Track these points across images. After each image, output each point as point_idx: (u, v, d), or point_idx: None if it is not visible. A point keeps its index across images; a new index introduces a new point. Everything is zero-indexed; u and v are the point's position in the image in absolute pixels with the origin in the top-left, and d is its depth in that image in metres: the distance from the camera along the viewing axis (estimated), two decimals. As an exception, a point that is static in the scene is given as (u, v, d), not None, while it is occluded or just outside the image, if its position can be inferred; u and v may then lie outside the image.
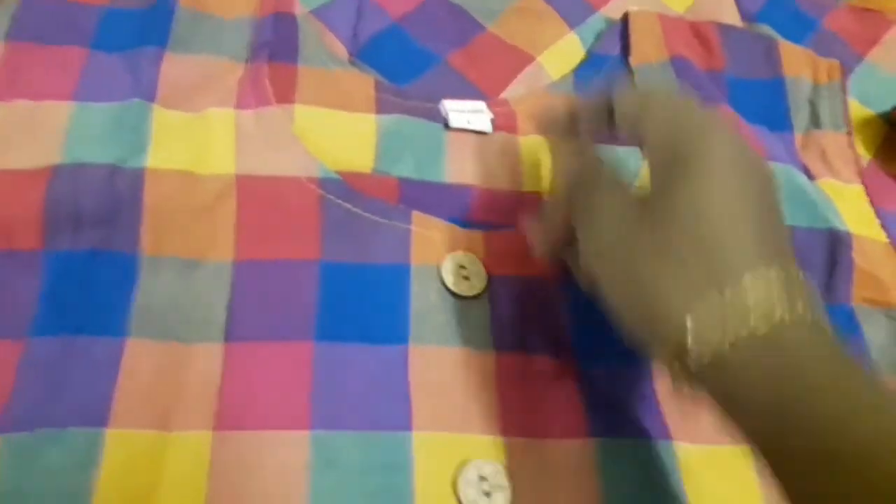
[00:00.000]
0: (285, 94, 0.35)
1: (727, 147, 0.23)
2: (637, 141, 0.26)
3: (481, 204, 0.35)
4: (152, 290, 0.28)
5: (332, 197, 0.31)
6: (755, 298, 0.21)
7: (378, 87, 0.37)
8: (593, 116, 0.29)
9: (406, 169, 0.34)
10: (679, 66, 0.40)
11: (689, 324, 0.21)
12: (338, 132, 0.34)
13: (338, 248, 0.30)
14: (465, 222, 0.33)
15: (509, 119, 0.37)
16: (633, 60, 0.40)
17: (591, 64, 0.41)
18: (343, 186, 0.32)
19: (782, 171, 0.37)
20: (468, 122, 0.36)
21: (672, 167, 0.23)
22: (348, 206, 0.31)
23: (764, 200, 0.23)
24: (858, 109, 0.43)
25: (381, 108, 0.36)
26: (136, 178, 0.30)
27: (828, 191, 0.38)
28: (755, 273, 0.21)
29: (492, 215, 0.34)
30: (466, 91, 0.39)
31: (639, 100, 0.26)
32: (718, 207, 0.22)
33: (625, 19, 0.43)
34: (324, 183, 0.32)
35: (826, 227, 0.36)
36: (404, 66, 0.39)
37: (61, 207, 0.29)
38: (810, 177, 0.39)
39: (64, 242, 0.28)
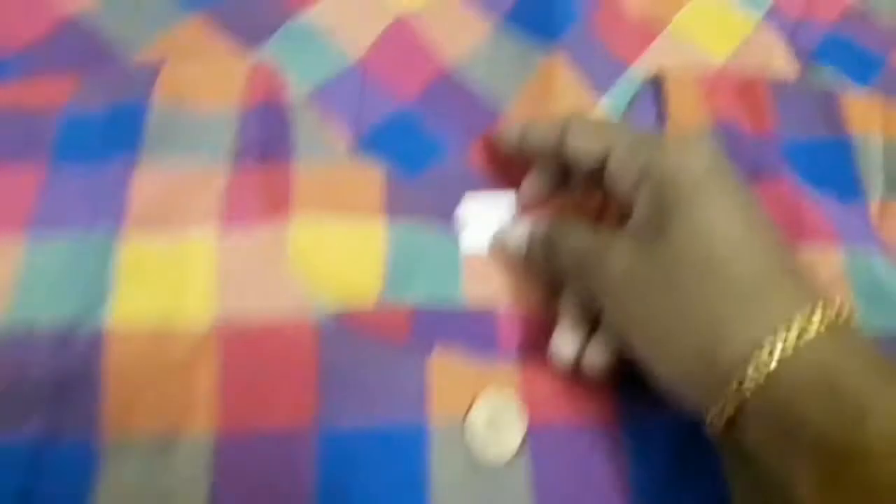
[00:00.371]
0: (280, 202, 0.30)
1: (720, 173, 0.25)
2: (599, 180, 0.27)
3: (510, 330, 0.30)
4: (116, 484, 0.24)
5: (331, 344, 0.27)
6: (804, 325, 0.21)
7: (388, 181, 0.32)
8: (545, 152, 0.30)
9: (419, 293, 0.30)
10: (724, 132, 0.35)
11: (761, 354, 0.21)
12: (342, 248, 0.30)
13: (340, 407, 0.26)
14: (492, 355, 0.29)
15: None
16: (671, 130, 0.35)
17: None
18: (345, 329, 0.27)
19: (858, 256, 0.32)
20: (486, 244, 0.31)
21: (666, 208, 0.24)
22: (351, 352, 0.27)
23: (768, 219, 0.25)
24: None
25: (392, 209, 0.31)
26: (95, 340, 0.26)
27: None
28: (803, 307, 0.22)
29: (525, 342, 0.30)
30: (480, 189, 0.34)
31: (601, 140, 0.27)
32: (739, 234, 0.23)
33: (658, 80, 0.37)
34: (322, 326, 0.27)
35: None
36: (410, 158, 0.34)
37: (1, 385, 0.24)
38: (891, 255, 0.33)
39: (3, 431, 0.24)
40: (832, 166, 0.36)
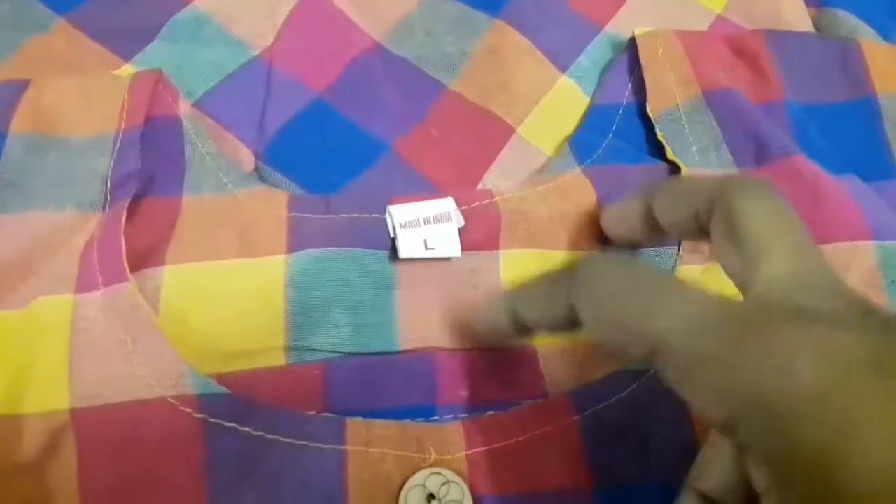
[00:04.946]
0: (156, 249, 0.24)
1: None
2: None
3: (453, 378, 0.23)
4: None
5: (218, 421, 0.20)
6: None
7: (292, 204, 0.26)
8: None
9: (338, 338, 0.23)
10: (718, 103, 0.28)
11: None
12: (231, 297, 0.23)
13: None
14: (430, 408, 0.23)
15: (489, 221, 0.26)
16: (652, 108, 0.28)
17: (593, 122, 0.29)
18: (235, 402, 0.21)
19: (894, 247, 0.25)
20: (427, 247, 0.25)
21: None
22: (246, 430, 0.20)
23: None
24: None
25: (295, 238, 0.25)
26: None
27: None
28: None
29: (471, 392, 0.23)
30: (423, 188, 0.28)
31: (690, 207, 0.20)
32: None
33: (633, 46, 0.30)
34: (205, 402, 0.20)
35: None
36: (334, 163, 0.28)
37: None
38: None
39: None
40: (854, 137, 0.29)
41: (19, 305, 0.22)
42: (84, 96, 0.26)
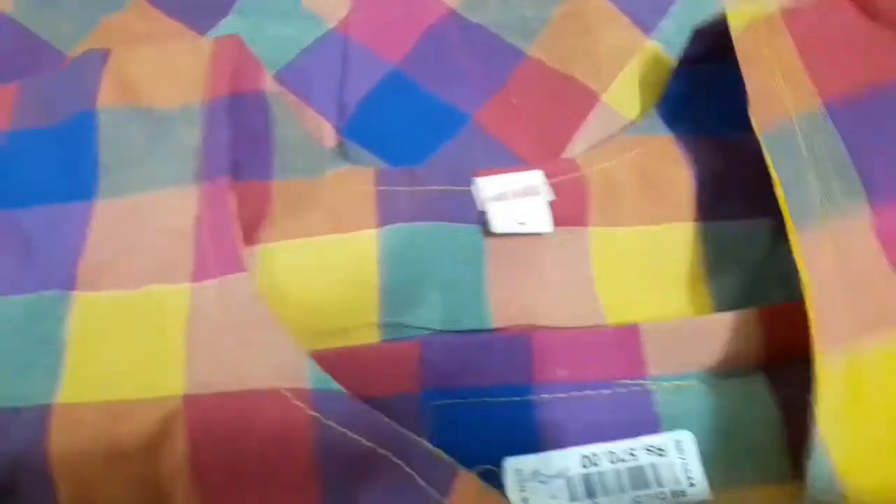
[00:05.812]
0: (249, 231, 0.24)
1: None
2: None
3: (549, 356, 0.23)
4: None
5: (330, 423, 0.19)
6: None
7: (378, 178, 0.25)
8: None
9: (430, 314, 0.23)
10: (846, 117, 0.21)
11: None
12: (324, 273, 0.23)
13: None
14: (525, 388, 0.22)
15: (577, 195, 0.25)
16: (757, 121, 0.22)
17: (680, 84, 0.27)
18: (350, 404, 0.19)
19: None
20: (520, 223, 0.24)
21: None
22: (357, 438, 0.19)
23: None
24: None
25: (384, 212, 0.24)
26: (38, 423, 0.20)
27: None
28: None
29: (569, 371, 0.23)
30: (505, 158, 0.27)
31: None
32: None
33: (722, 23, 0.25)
34: (319, 399, 0.19)
35: None
36: (414, 136, 0.27)
37: None
38: None
39: None
40: None
41: (131, 286, 0.21)
42: (167, 64, 0.25)
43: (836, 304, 0.19)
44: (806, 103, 0.22)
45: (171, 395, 0.20)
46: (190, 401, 0.20)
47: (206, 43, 0.25)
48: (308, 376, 0.19)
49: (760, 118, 0.22)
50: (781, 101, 0.22)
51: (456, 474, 0.18)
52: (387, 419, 0.19)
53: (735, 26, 0.23)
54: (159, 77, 0.25)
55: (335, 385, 0.19)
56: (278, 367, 0.20)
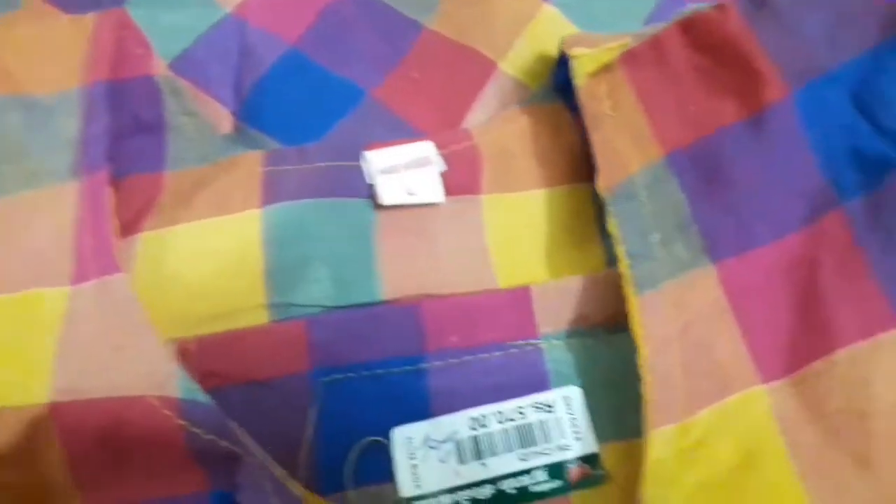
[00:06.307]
0: (134, 222, 0.24)
1: None
2: None
3: (441, 324, 0.23)
4: None
5: (197, 431, 0.19)
6: None
7: (267, 159, 0.25)
8: None
9: (319, 291, 0.23)
10: (685, 168, 0.21)
11: None
12: (206, 257, 0.23)
13: None
14: (418, 357, 0.22)
15: (470, 164, 0.25)
16: (602, 183, 0.22)
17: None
18: (214, 415, 0.19)
19: None
20: (409, 194, 0.24)
21: None
22: (225, 444, 0.19)
23: None
24: None
25: (269, 192, 0.24)
26: None
27: None
28: None
29: (461, 337, 0.23)
30: (405, 133, 0.27)
31: None
32: None
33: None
34: (186, 408, 0.19)
35: None
36: (311, 114, 0.27)
37: None
38: None
39: None
40: None
41: (10, 290, 0.21)
42: (45, 45, 0.24)
43: (671, 385, 0.19)
44: (649, 157, 0.22)
45: (36, 403, 0.19)
46: (57, 408, 0.19)
47: (87, 19, 0.24)
48: (177, 385, 0.19)
49: (605, 179, 0.22)
50: (625, 160, 0.22)
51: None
52: (243, 432, 0.19)
53: (579, 74, 0.23)
54: (37, 60, 0.23)
55: (202, 396, 0.19)
56: (149, 374, 0.19)
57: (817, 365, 0.18)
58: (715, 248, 0.20)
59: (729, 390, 0.19)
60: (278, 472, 0.18)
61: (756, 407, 0.19)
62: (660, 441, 0.18)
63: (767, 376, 0.19)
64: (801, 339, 0.19)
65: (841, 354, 0.18)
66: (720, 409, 0.19)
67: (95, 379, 0.20)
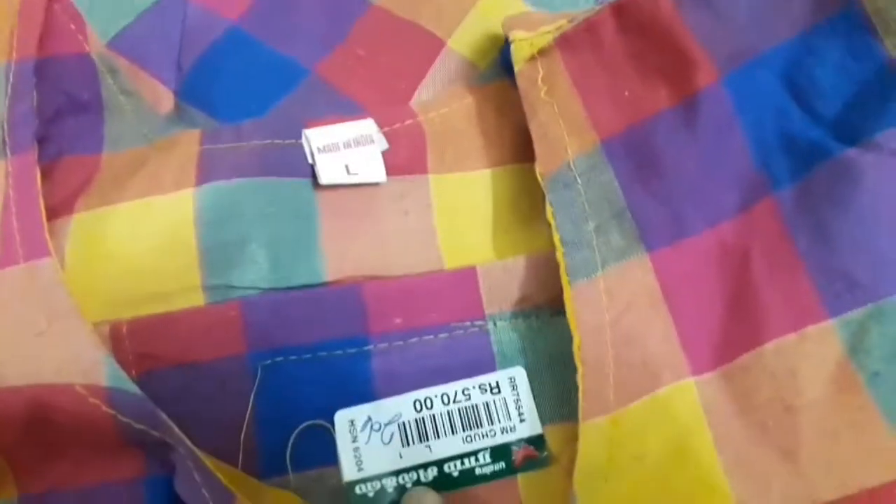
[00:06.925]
0: (67, 203, 0.23)
1: None
2: None
3: (385, 305, 0.22)
4: None
5: (128, 421, 0.18)
6: None
7: (204, 138, 0.24)
8: None
9: (257, 273, 0.22)
10: (619, 155, 0.21)
11: None
12: (139, 238, 0.22)
13: None
14: (361, 339, 0.22)
15: (414, 143, 0.25)
16: (541, 169, 0.22)
17: None
18: (143, 406, 0.18)
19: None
20: (349, 172, 0.24)
21: None
22: (157, 434, 0.18)
23: None
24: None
25: (204, 171, 0.23)
26: None
27: None
28: None
29: (406, 318, 0.22)
30: (349, 112, 0.26)
31: None
32: None
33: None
34: (115, 397, 0.18)
35: None
36: (252, 93, 0.27)
37: None
38: None
39: None
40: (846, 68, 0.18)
41: None
42: None
43: (603, 375, 0.19)
44: (584, 144, 0.21)
45: None
46: None
47: None
48: (104, 373, 0.19)
49: (543, 165, 0.21)
50: (562, 147, 0.21)
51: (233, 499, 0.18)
52: (179, 431, 0.18)
53: (517, 59, 0.23)
54: None
55: (130, 386, 0.18)
56: (74, 361, 0.19)
57: (746, 357, 0.18)
58: (649, 237, 0.20)
59: (659, 382, 0.19)
60: (210, 462, 0.18)
61: (685, 399, 0.18)
62: (592, 433, 0.18)
63: (697, 368, 0.19)
64: (731, 330, 0.18)
65: (769, 347, 0.18)
66: (651, 402, 0.18)
67: (19, 367, 0.19)
